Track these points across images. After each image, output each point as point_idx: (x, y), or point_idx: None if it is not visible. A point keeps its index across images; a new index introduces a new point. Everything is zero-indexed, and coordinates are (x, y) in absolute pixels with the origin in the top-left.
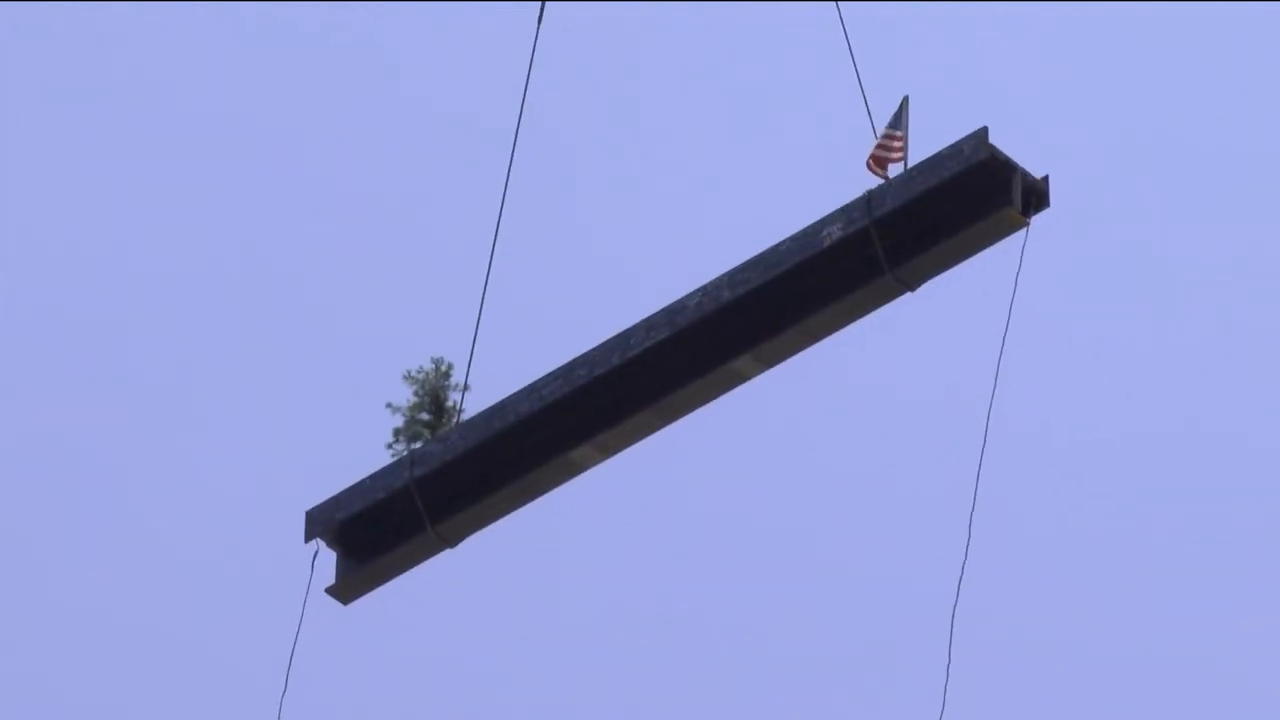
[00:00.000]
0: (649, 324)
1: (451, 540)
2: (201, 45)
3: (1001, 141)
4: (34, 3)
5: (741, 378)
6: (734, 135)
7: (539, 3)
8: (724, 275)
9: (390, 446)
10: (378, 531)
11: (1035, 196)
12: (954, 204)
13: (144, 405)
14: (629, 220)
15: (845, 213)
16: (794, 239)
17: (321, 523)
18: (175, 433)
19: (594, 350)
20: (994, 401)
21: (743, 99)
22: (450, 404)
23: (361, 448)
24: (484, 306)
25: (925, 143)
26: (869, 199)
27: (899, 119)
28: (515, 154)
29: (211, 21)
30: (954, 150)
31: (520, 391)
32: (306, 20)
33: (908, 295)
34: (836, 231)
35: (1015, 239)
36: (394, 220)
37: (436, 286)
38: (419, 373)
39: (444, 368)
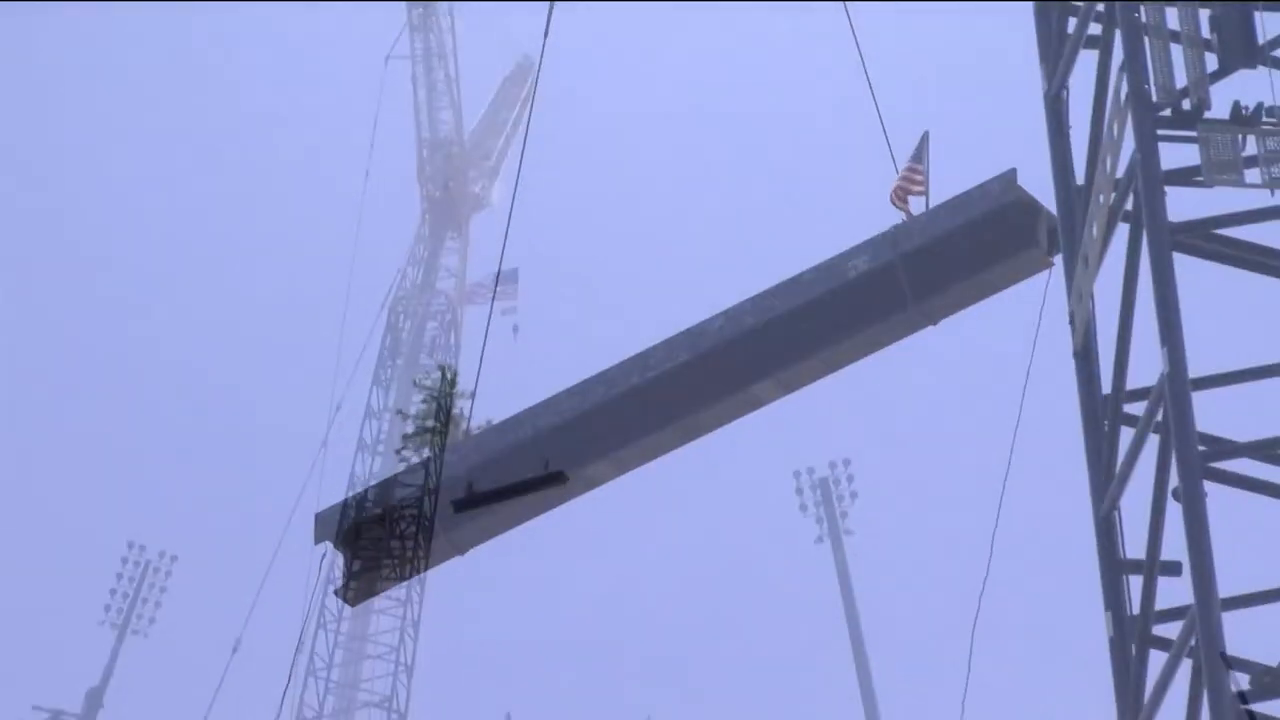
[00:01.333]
0: (670, 345)
1: (462, 548)
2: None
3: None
4: None
5: (760, 402)
6: (754, 161)
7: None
8: (747, 301)
9: (399, 452)
10: (387, 536)
11: (1058, 238)
12: (979, 242)
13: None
14: (653, 245)
15: (871, 246)
16: (819, 269)
17: (331, 525)
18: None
19: (613, 369)
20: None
21: (767, 128)
22: (457, 411)
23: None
24: (492, 316)
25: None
26: (895, 234)
27: (920, 154)
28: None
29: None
30: (982, 190)
31: (537, 405)
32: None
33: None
34: (862, 264)
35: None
36: None
37: None
38: (426, 379)
39: (450, 375)
